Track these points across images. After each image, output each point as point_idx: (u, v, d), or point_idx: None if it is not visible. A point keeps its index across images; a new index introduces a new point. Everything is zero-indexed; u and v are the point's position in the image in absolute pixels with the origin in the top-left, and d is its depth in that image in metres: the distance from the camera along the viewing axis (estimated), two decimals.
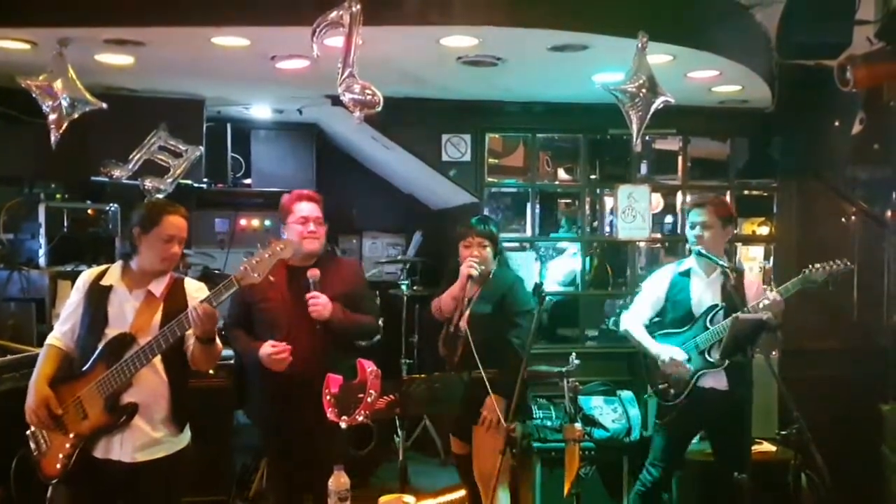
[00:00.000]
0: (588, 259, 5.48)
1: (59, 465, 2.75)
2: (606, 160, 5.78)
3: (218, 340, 2.92)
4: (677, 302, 3.72)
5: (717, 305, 3.61)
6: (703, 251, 3.60)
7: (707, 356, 3.59)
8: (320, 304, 3.20)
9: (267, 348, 3.17)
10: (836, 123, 4.86)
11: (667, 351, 3.62)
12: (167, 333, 2.72)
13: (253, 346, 3.25)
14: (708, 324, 3.61)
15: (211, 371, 4.46)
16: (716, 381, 3.61)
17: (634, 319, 3.79)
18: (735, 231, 3.76)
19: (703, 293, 3.67)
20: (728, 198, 5.34)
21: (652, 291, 3.82)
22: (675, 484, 4.11)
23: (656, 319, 3.82)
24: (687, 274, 3.74)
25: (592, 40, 3.42)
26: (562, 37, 3.39)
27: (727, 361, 3.53)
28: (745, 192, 5.49)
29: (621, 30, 3.26)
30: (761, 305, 3.48)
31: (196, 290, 2.95)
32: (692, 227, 3.68)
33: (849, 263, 3.53)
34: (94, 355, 2.77)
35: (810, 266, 3.56)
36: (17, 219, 4.57)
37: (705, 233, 3.63)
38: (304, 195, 3.44)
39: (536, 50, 3.58)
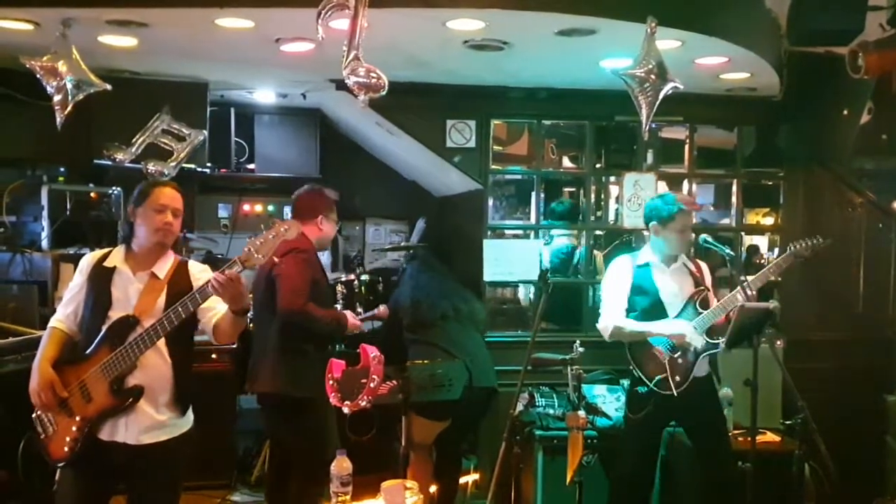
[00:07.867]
0: (584, 249, 5.40)
1: (66, 448, 2.73)
2: (612, 148, 5.71)
3: None
4: (645, 293, 3.70)
5: (703, 290, 3.69)
6: (710, 239, 3.81)
7: (707, 338, 3.60)
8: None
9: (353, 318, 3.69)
10: (845, 113, 4.83)
11: (674, 326, 3.60)
12: (172, 315, 2.69)
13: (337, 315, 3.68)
14: (699, 308, 3.63)
15: (213, 355, 4.52)
16: (698, 367, 3.64)
17: (617, 314, 3.68)
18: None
19: (667, 283, 3.71)
20: (734, 187, 5.33)
21: (622, 282, 3.73)
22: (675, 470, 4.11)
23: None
24: (647, 266, 3.73)
25: (600, 25, 3.38)
26: (569, 21, 3.35)
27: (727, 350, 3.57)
28: (751, 181, 5.44)
29: (630, 14, 3.23)
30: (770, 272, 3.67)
31: (200, 272, 2.93)
32: (682, 231, 3.69)
33: (828, 239, 3.77)
34: (98, 338, 2.74)
35: (794, 243, 3.79)
36: (20, 201, 4.56)
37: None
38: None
39: (543, 34, 3.54)
